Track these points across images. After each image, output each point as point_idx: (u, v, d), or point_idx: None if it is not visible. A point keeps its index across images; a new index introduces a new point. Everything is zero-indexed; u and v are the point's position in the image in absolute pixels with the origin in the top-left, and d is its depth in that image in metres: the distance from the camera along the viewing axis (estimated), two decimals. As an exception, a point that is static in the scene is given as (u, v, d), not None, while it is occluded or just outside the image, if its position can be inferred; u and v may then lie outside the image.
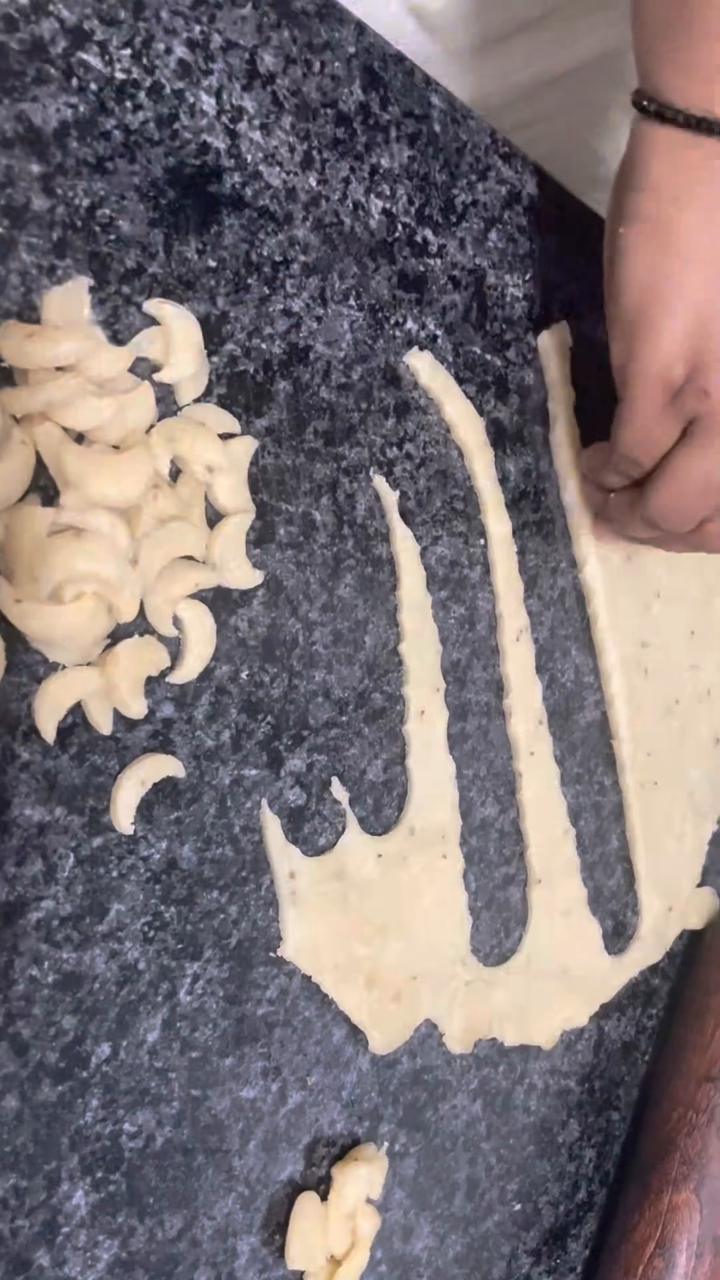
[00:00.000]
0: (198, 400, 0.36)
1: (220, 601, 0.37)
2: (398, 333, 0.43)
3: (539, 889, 0.48)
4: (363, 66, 0.40)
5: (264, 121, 0.38)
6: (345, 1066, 0.42)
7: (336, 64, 0.39)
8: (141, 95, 0.34)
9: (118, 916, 0.35)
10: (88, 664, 0.33)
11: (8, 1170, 0.33)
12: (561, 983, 0.50)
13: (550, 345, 0.49)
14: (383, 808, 0.42)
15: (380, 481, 0.42)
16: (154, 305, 0.35)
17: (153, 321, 0.35)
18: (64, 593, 0.32)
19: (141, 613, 0.34)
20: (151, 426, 0.35)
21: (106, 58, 0.34)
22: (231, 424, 0.37)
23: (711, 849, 0.59)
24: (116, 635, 0.34)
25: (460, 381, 0.45)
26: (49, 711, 0.33)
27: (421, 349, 0.43)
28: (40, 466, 0.33)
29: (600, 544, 0.51)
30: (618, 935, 0.54)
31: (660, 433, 0.42)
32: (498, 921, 0.47)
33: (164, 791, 0.36)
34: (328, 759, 0.40)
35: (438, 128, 0.43)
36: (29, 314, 0.32)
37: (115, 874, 0.35)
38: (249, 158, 0.37)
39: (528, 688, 0.48)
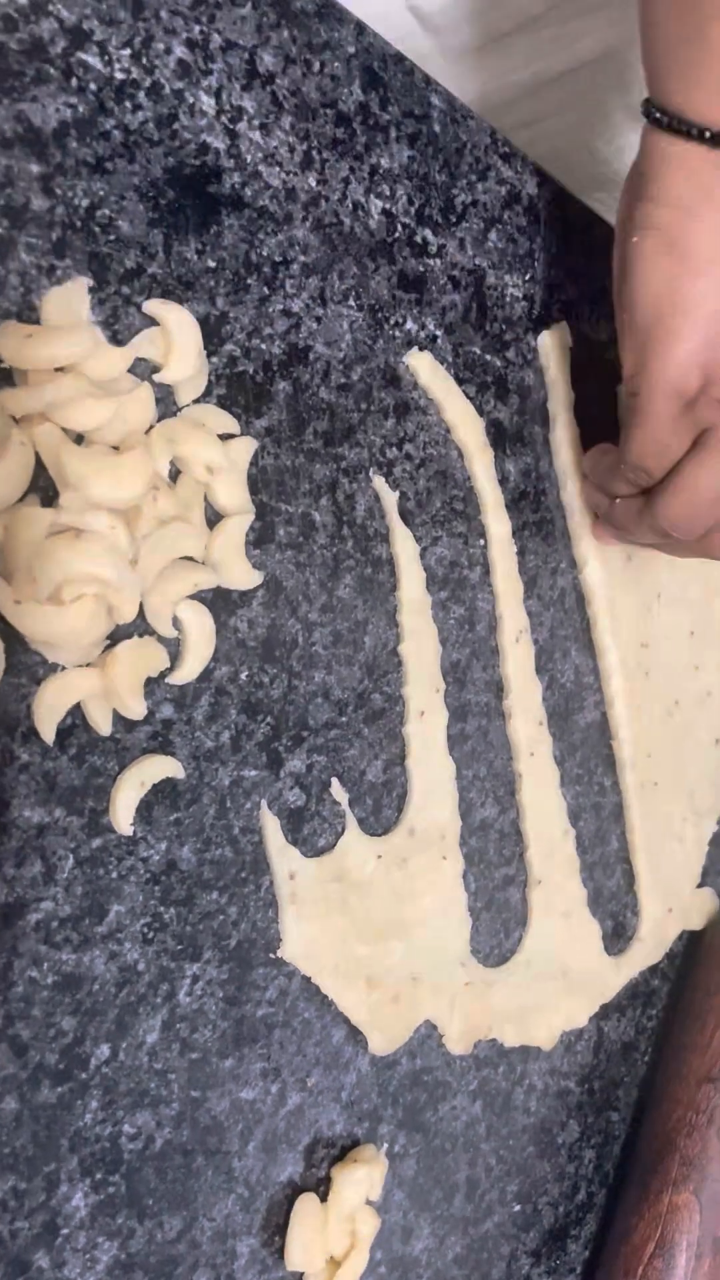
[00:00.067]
0: (197, 401, 0.36)
1: (220, 602, 0.37)
2: (397, 333, 0.43)
3: (539, 890, 0.48)
4: (362, 66, 0.40)
5: (264, 121, 0.37)
6: (345, 1067, 0.42)
7: (336, 64, 0.39)
8: (141, 95, 0.34)
9: (117, 918, 0.35)
10: (87, 665, 0.33)
11: (7, 1172, 0.33)
12: (561, 983, 0.50)
13: (550, 345, 0.49)
14: (382, 809, 0.42)
15: (380, 482, 0.42)
16: (154, 306, 0.35)
17: (152, 322, 0.35)
18: (63, 594, 0.32)
19: (141, 614, 0.34)
20: (151, 427, 0.35)
21: (106, 58, 0.33)
22: (231, 424, 0.37)
23: (711, 849, 0.59)
24: (116, 636, 0.34)
25: (460, 382, 0.45)
26: (48, 712, 0.33)
27: (421, 349, 0.43)
28: (40, 467, 0.32)
29: (601, 546, 0.51)
30: (617, 936, 0.54)
31: (672, 442, 0.42)
32: (497, 922, 0.47)
33: (163, 792, 0.36)
34: (327, 760, 0.40)
35: (437, 128, 0.43)
36: (28, 314, 0.32)
37: (114, 875, 0.34)
38: (249, 158, 0.37)
39: (528, 688, 0.48)
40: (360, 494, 0.41)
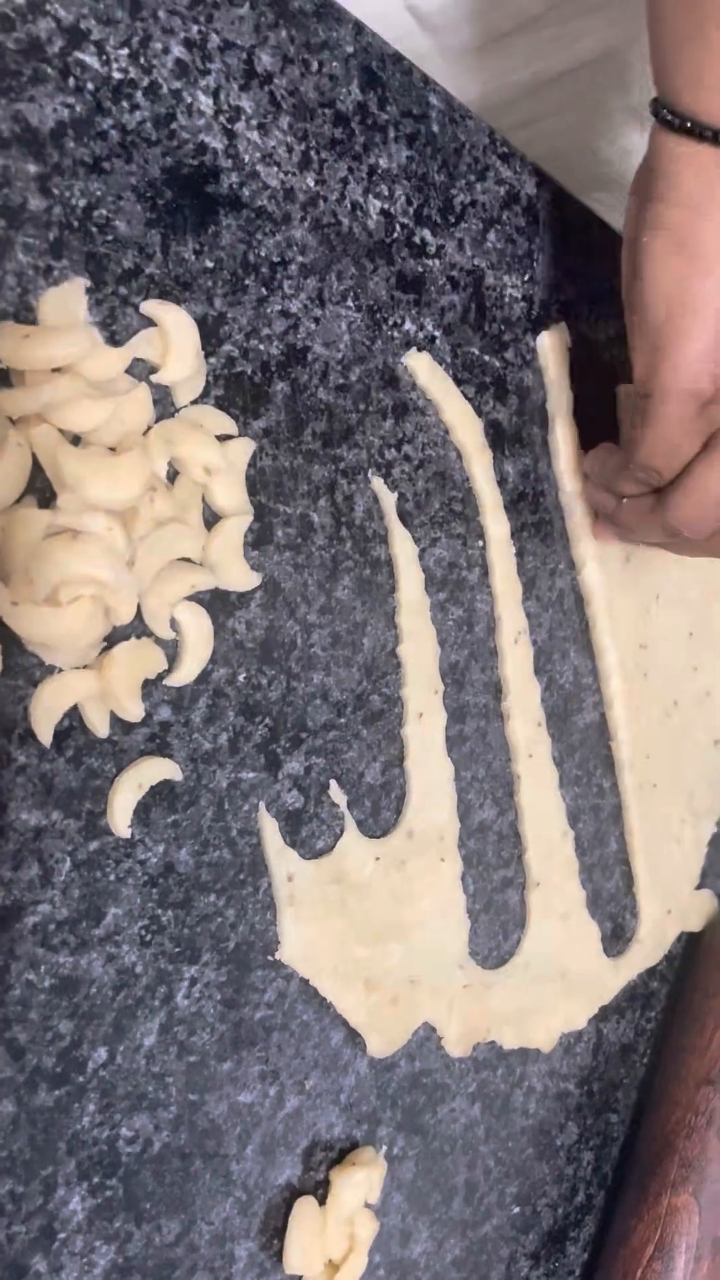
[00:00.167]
0: (195, 402, 0.36)
1: (218, 604, 0.37)
2: (396, 334, 0.42)
3: (537, 891, 0.48)
4: (361, 66, 0.40)
5: (262, 121, 0.37)
6: (343, 1070, 0.42)
7: (334, 64, 0.39)
8: (139, 95, 0.34)
9: (115, 920, 0.34)
10: (84, 667, 0.33)
11: (4, 1175, 0.32)
12: (560, 985, 0.50)
13: (549, 346, 0.49)
14: (381, 810, 0.42)
15: (378, 483, 0.42)
16: (151, 306, 0.35)
17: (150, 322, 0.35)
18: (60, 595, 0.32)
19: (138, 615, 0.34)
20: (149, 428, 0.34)
21: (103, 57, 0.33)
22: (229, 425, 0.37)
23: (710, 851, 0.59)
24: (113, 638, 0.34)
25: (459, 382, 0.45)
26: (45, 714, 0.32)
27: (420, 350, 0.43)
28: (37, 468, 0.32)
29: (601, 545, 0.51)
30: (616, 937, 0.54)
31: (684, 443, 0.42)
32: (496, 924, 0.47)
33: (161, 795, 0.35)
34: (326, 761, 0.40)
35: (436, 128, 0.43)
36: (25, 315, 0.32)
37: (112, 877, 0.34)
38: (246, 158, 0.37)
39: (526, 690, 0.48)
40: (359, 495, 0.41)
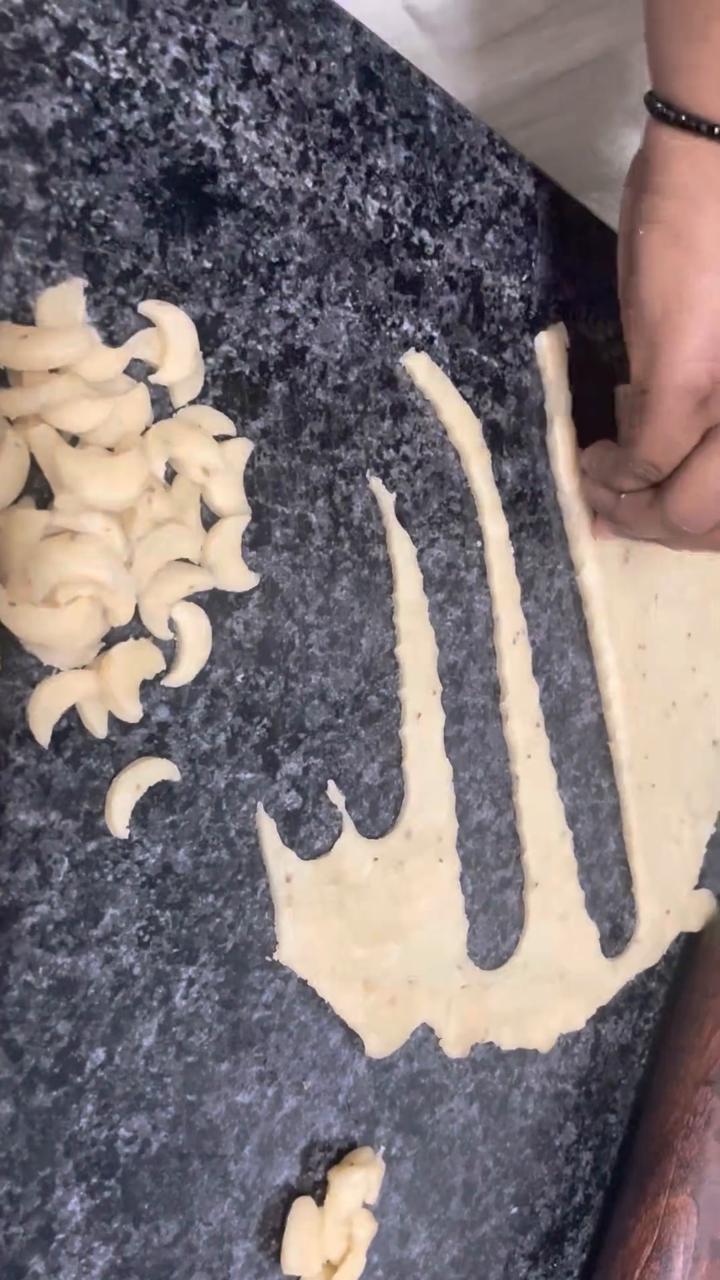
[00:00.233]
0: (193, 402, 0.36)
1: (216, 604, 0.37)
2: (394, 334, 0.42)
3: (536, 892, 0.48)
4: (359, 66, 0.40)
5: (260, 121, 0.37)
6: (341, 1070, 0.42)
7: (333, 64, 0.39)
8: (136, 95, 0.34)
9: (113, 921, 0.34)
10: (82, 667, 0.33)
11: (2, 1176, 0.32)
12: (558, 986, 0.50)
13: (547, 346, 0.49)
14: (379, 811, 0.42)
15: (377, 483, 0.42)
16: (149, 307, 0.35)
17: (148, 323, 0.35)
18: (58, 596, 0.32)
19: (136, 616, 0.34)
20: (147, 429, 0.34)
21: (101, 57, 0.33)
22: (227, 426, 0.37)
23: (709, 851, 0.59)
24: (111, 638, 0.34)
25: (457, 383, 0.45)
26: (43, 715, 0.32)
27: (418, 350, 0.43)
28: (34, 469, 0.32)
29: (600, 543, 0.51)
30: (615, 938, 0.54)
31: (682, 437, 0.42)
32: (494, 925, 0.47)
33: (159, 795, 0.35)
34: (324, 762, 0.40)
35: (434, 128, 0.43)
36: (23, 315, 0.32)
37: (110, 878, 0.34)
38: (244, 158, 0.37)
39: (525, 690, 0.48)
40: (357, 495, 0.41)
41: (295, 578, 0.39)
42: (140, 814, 0.35)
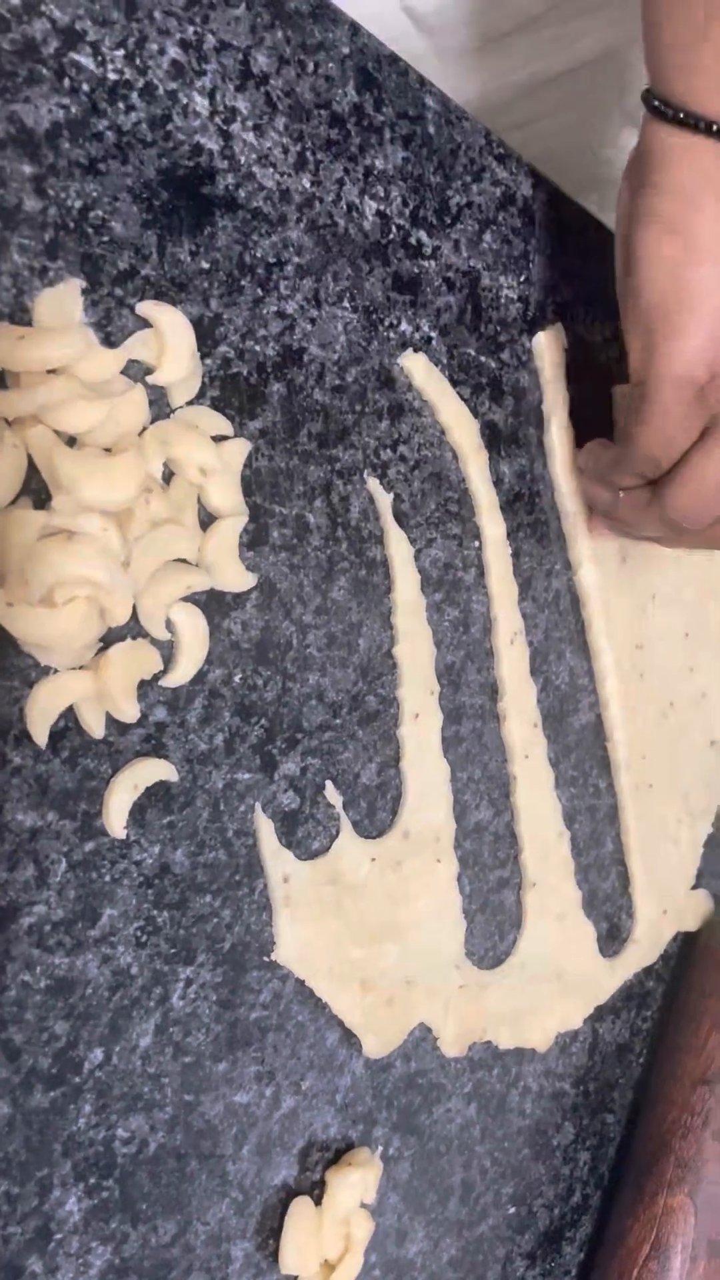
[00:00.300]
0: (191, 403, 0.36)
1: (213, 604, 0.37)
2: (392, 334, 0.42)
3: (533, 892, 0.48)
4: (357, 67, 0.40)
5: (257, 123, 0.37)
6: (339, 1070, 0.42)
7: (330, 65, 0.39)
8: (134, 96, 0.34)
9: (110, 921, 0.34)
10: (80, 667, 0.33)
11: (0, 1177, 0.33)
12: (556, 985, 0.50)
13: (545, 347, 0.49)
14: (377, 811, 0.42)
15: (374, 484, 0.42)
16: (147, 307, 0.35)
17: (145, 324, 0.35)
18: (56, 596, 0.32)
19: (134, 616, 0.34)
20: (144, 429, 0.34)
21: (99, 58, 0.33)
22: (225, 426, 0.37)
23: (706, 851, 0.59)
24: (109, 639, 0.34)
25: (455, 384, 0.45)
26: (41, 715, 0.32)
27: (416, 351, 0.43)
28: (32, 469, 0.32)
29: (598, 541, 0.51)
30: (612, 938, 0.54)
31: (680, 434, 0.42)
32: (492, 925, 0.47)
33: (157, 795, 0.35)
34: (321, 762, 0.40)
35: (432, 129, 0.43)
36: (20, 316, 0.32)
37: (108, 879, 0.34)
38: (242, 159, 0.37)
39: (522, 690, 0.48)
40: (355, 496, 0.41)
41: (293, 578, 0.39)
42: (138, 814, 0.35)
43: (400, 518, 0.43)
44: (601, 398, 0.51)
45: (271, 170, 0.38)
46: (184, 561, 0.36)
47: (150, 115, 0.35)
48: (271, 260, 0.38)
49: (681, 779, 0.56)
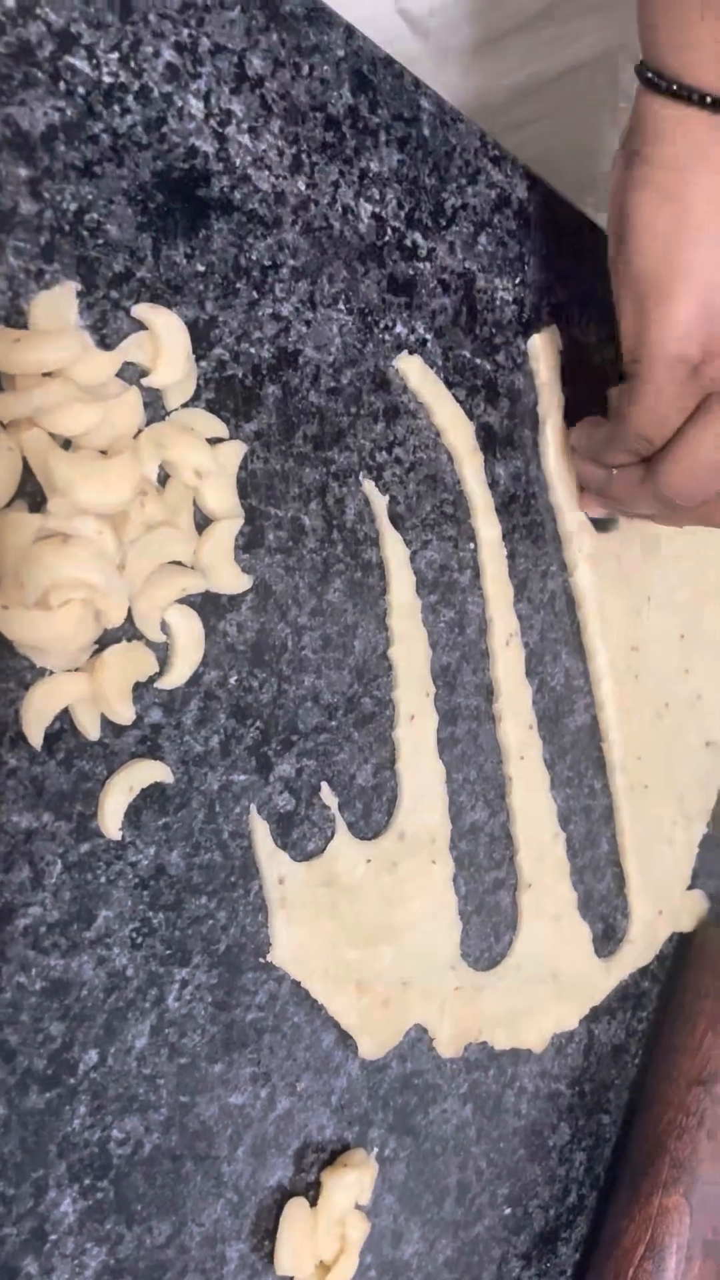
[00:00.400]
0: (186, 405, 0.36)
1: (209, 606, 0.37)
2: (387, 337, 0.43)
3: (529, 893, 0.48)
4: (352, 70, 0.40)
5: (252, 125, 0.37)
6: (335, 1072, 0.42)
7: (325, 67, 0.39)
8: (129, 99, 0.34)
9: (105, 923, 0.35)
10: (75, 670, 0.33)
11: (-5, 1178, 0.33)
12: (551, 986, 0.50)
13: (540, 348, 0.49)
14: (372, 812, 0.42)
15: (370, 486, 0.42)
16: (142, 310, 0.35)
17: (141, 326, 0.35)
18: (51, 599, 0.32)
19: (129, 618, 0.34)
20: (139, 431, 0.34)
21: (94, 61, 0.33)
22: (220, 428, 0.37)
23: (701, 852, 0.59)
24: (104, 641, 0.34)
25: (450, 385, 0.45)
26: (36, 717, 0.33)
27: (411, 353, 0.43)
28: (27, 472, 0.32)
29: (593, 545, 0.51)
30: (608, 938, 0.54)
31: (674, 409, 0.42)
32: (487, 926, 0.47)
33: (152, 797, 0.36)
34: (317, 764, 0.40)
35: (427, 131, 0.43)
36: (16, 319, 0.32)
37: (103, 880, 0.34)
38: (237, 161, 0.37)
39: (518, 692, 0.48)
40: (350, 498, 0.41)
41: (288, 580, 0.39)
42: (133, 816, 0.35)
43: (396, 520, 0.43)
44: (597, 399, 0.51)
45: (267, 173, 0.38)
46: (179, 564, 0.36)
47: (145, 118, 0.35)
48: (267, 263, 0.38)
49: (677, 780, 0.56)
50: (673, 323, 0.40)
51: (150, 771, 0.35)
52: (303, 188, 0.39)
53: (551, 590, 0.50)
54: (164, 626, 0.35)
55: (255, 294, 0.38)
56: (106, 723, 0.34)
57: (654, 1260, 0.50)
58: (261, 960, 0.39)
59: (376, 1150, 0.44)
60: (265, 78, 0.38)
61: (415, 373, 0.43)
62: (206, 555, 0.36)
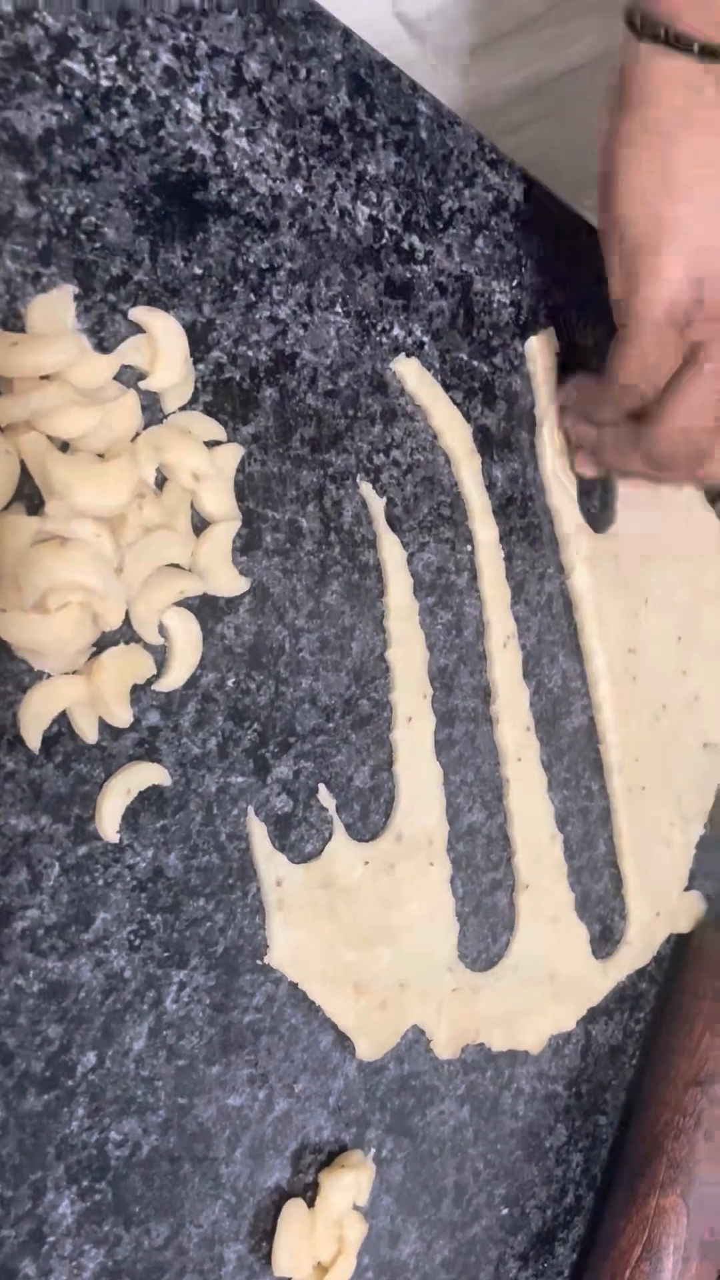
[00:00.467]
0: (183, 408, 0.36)
1: (206, 609, 0.37)
2: (384, 339, 0.43)
3: (526, 894, 0.48)
4: (349, 73, 0.40)
5: (250, 128, 0.37)
6: (332, 1073, 0.42)
7: (323, 71, 0.39)
8: (127, 102, 0.34)
9: (103, 925, 0.35)
10: (73, 672, 0.33)
11: (-7, 1180, 0.33)
12: (549, 988, 0.50)
13: (537, 351, 0.49)
14: (370, 814, 0.42)
15: (367, 488, 0.42)
16: (139, 313, 0.35)
17: (138, 329, 0.35)
18: (49, 601, 0.32)
19: (127, 621, 0.34)
20: (137, 434, 0.35)
21: (92, 65, 0.33)
22: (218, 431, 0.37)
23: (698, 853, 0.59)
24: (102, 643, 0.34)
25: (447, 388, 0.45)
26: (34, 720, 0.33)
27: (408, 355, 0.43)
28: (25, 475, 0.32)
29: (590, 547, 0.51)
30: (605, 939, 0.54)
31: (663, 362, 0.42)
32: (485, 927, 0.47)
33: (150, 800, 0.36)
34: (314, 766, 0.40)
35: (424, 134, 0.43)
36: (13, 322, 0.32)
37: (101, 882, 0.34)
38: (235, 165, 0.37)
39: (515, 693, 0.48)
40: (347, 500, 0.41)
41: (286, 582, 0.39)
42: (131, 818, 0.35)
43: (393, 522, 0.43)
44: (594, 402, 0.51)
45: (264, 176, 0.38)
46: (177, 566, 0.36)
47: (143, 121, 0.35)
48: (264, 266, 0.38)
49: (674, 781, 0.57)
50: (664, 276, 0.40)
51: (148, 774, 0.35)
52: (300, 191, 0.39)
53: (549, 592, 0.50)
54: (162, 629, 0.35)
55: (253, 297, 0.38)
56: (104, 725, 0.34)
57: (651, 1261, 0.50)
58: (259, 962, 0.39)
59: (374, 1151, 0.44)
60: (263, 81, 0.38)
61: (413, 375, 0.43)
62: (204, 558, 0.36)
